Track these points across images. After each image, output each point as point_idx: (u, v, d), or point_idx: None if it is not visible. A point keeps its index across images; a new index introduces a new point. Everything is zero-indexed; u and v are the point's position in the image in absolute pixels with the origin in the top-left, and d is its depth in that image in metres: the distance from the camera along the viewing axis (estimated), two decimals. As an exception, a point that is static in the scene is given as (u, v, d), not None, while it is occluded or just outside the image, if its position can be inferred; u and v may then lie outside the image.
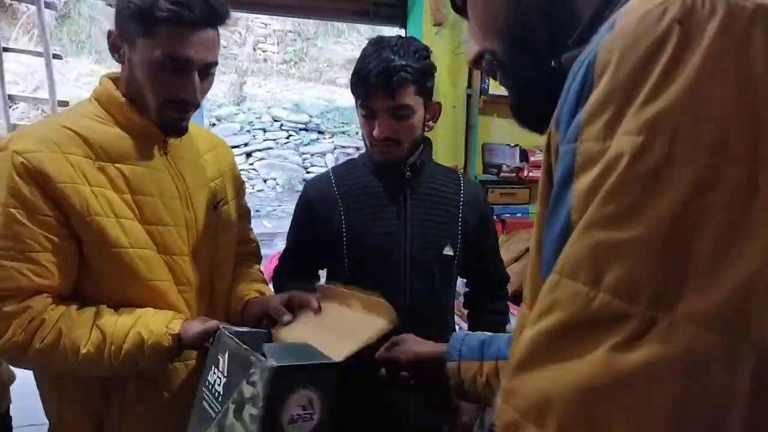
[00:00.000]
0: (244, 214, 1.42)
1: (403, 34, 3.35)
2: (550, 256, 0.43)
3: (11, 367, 1.46)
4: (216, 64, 1.11)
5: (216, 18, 1.05)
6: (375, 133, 1.27)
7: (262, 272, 1.44)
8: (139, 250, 1.08)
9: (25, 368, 1.11)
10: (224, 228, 1.27)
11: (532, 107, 0.63)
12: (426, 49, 1.31)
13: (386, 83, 1.22)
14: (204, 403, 0.86)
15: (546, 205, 0.47)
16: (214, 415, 0.81)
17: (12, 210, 0.98)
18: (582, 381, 0.35)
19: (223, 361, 0.85)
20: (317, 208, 1.37)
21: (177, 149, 1.19)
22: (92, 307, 1.06)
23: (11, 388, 1.48)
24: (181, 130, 1.15)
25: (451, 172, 1.47)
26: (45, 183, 0.99)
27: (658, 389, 0.33)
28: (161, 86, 1.06)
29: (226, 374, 0.83)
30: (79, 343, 1.02)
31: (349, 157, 1.55)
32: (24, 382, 1.35)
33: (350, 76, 1.29)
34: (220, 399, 0.82)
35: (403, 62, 1.22)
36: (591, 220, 0.38)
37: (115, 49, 1.08)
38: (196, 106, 1.11)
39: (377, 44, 1.27)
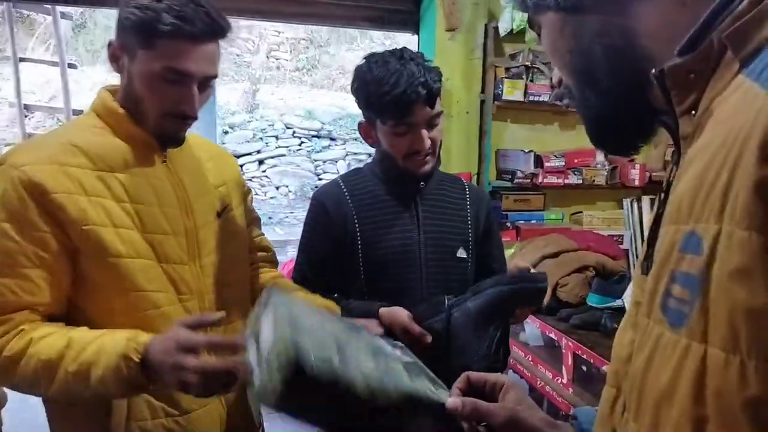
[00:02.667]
0: (254, 221, 1.41)
1: (416, 40, 3.34)
2: None
3: (4, 389, 1.44)
4: (216, 77, 1.11)
5: (217, 32, 1.06)
6: (418, 145, 1.29)
7: (283, 277, 1.44)
8: (137, 260, 1.07)
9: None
10: (230, 236, 1.26)
11: (609, 136, 0.65)
12: (423, 55, 1.34)
13: (428, 95, 1.24)
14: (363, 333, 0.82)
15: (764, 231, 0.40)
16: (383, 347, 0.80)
17: (4, 224, 0.98)
18: None
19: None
20: (332, 215, 1.36)
21: (177, 157, 1.19)
22: (63, 326, 1.04)
23: (3, 411, 1.46)
24: (178, 141, 1.15)
25: (455, 179, 1.52)
26: (41, 195, 0.99)
27: None
28: (160, 98, 1.06)
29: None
30: (42, 350, 0.99)
31: (361, 164, 1.53)
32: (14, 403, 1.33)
33: (373, 99, 1.27)
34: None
35: (429, 72, 1.26)
36: None
37: (114, 59, 1.09)
38: (194, 118, 1.11)
39: (386, 62, 1.27)
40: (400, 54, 1.29)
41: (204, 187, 1.23)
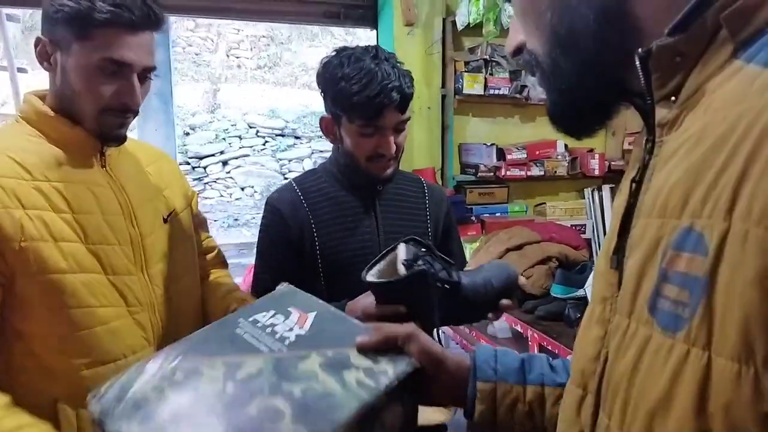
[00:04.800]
0: (200, 223, 1.37)
1: (375, 36, 3.32)
2: None
3: None
4: (154, 68, 1.08)
5: (155, 21, 1.04)
6: (384, 150, 1.25)
7: (231, 277, 1.41)
8: (81, 275, 1.02)
9: None
10: (177, 241, 1.22)
11: (571, 112, 0.59)
12: (396, 56, 1.31)
13: (401, 101, 1.22)
14: (244, 334, 0.78)
15: None
16: (264, 350, 0.74)
17: None
18: None
19: (303, 316, 0.79)
20: (288, 221, 1.32)
21: (116, 162, 1.14)
22: None
23: None
24: (120, 139, 1.10)
25: (414, 178, 1.48)
26: None
27: None
28: (100, 92, 1.02)
29: (307, 329, 0.77)
30: None
31: (321, 163, 1.50)
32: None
33: (341, 96, 1.23)
34: (286, 343, 0.75)
35: (403, 77, 1.23)
36: None
37: (44, 57, 1.04)
38: (135, 112, 1.07)
39: (359, 59, 1.22)
40: (375, 53, 1.24)
41: (147, 193, 1.18)
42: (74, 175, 1.05)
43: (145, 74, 1.07)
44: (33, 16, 10.54)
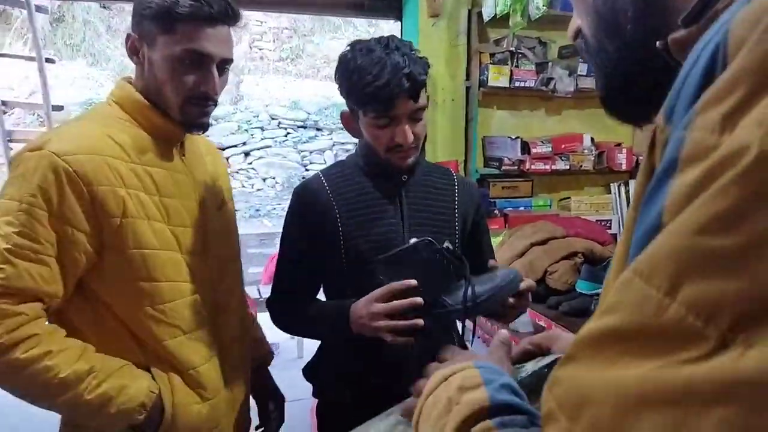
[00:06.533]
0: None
1: (399, 27, 3.30)
2: (633, 257, 0.38)
3: None
4: (231, 61, 1.17)
5: (232, 15, 1.13)
6: (400, 139, 1.25)
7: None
8: (167, 252, 1.12)
9: None
10: (228, 229, 1.33)
11: (620, 96, 0.59)
12: (412, 44, 1.30)
13: (411, 88, 1.21)
14: None
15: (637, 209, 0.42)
16: None
17: (37, 210, 0.99)
18: (629, 388, 0.31)
19: None
20: (313, 211, 1.33)
21: (189, 152, 1.24)
22: (79, 341, 1.08)
23: None
24: (204, 126, 1.18)
25: (444, 170, 1.48)
26: (84, 186, 1.01)
27: (710, 412, 0.28)
28: (182, 81, 1.10)
29: None
30: (61, 366, 1.01)
31: (348, 153, 1.50)
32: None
33: (355, 89, 1.23)
34: None
35: (415, 64, 1.22)
36: (684, 220, 0.32)
37: (134, 52, 1.13)
38: (215, 101, 1.16)
39: (370, 50, 1.22)
40: (386, 42, 1.24)
41: (209, 181, 1.28)
42: (160, 161, 1.15)
43: (223, 65, 1.15)
44: (61, 8, 10.70)
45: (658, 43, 0.48)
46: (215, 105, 1.16)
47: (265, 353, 1.50)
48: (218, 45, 1.11)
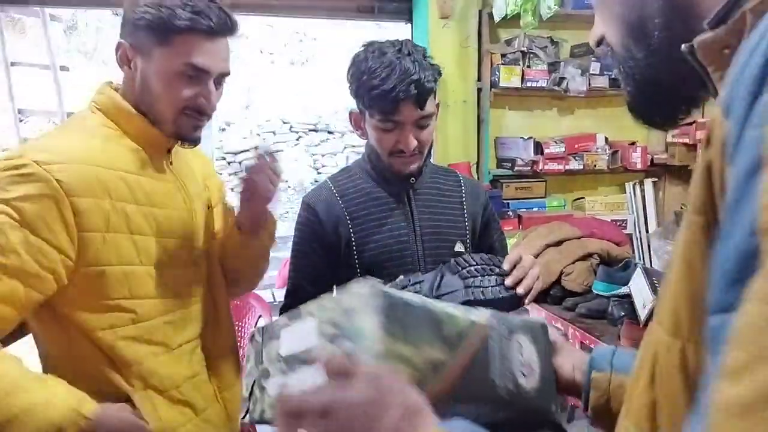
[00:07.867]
0: (229, 212, 1.37)
1: (410, 30, 3.29)
2: (726, 274, 0.35)
3: None
4: (229, 74, 1.13)
5: (231, 27, 1.08)
6: (402, 146, 1.24)
7: None
8: (149, 267, 1.08)
9: None
10: (212, 235, 1.28)
11: (648, 102, 0.59)
12: (425, 51, 1.29)
13: (417, 95, 1.19)
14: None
15: (704, 212, 0.41)
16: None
17: (8, 220, 0.92)
18: None
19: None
20: (324, 219, 1.32)
21: (177, 161, 1.20)
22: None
23: None
24: (196, 140, 1.15)
25: (450, 172, 1.48)
26: (66, 196, 0.95)
27: None
28: (178, 95, 1.06)
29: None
30: None
31: (359, 158, 1.49)
32: None
33: (363, 91, 1.23)
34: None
35: (425, 71, 1.21)
36: None
37: (124, 61, 1.08)
38: (209, 116, 1.12)
39: (383, 53, 1.22)
40: (400, 47, 1.23)
41: (198, 188, 1.24)
42: (150, 171, 1.11)
43: (220, 79, 1.11)
44: (74, 16, 10.81)
45: (683, 46, 0.48)
46: (209, 119, 1.12)
47: None
48: (217, 59, 1.07)
